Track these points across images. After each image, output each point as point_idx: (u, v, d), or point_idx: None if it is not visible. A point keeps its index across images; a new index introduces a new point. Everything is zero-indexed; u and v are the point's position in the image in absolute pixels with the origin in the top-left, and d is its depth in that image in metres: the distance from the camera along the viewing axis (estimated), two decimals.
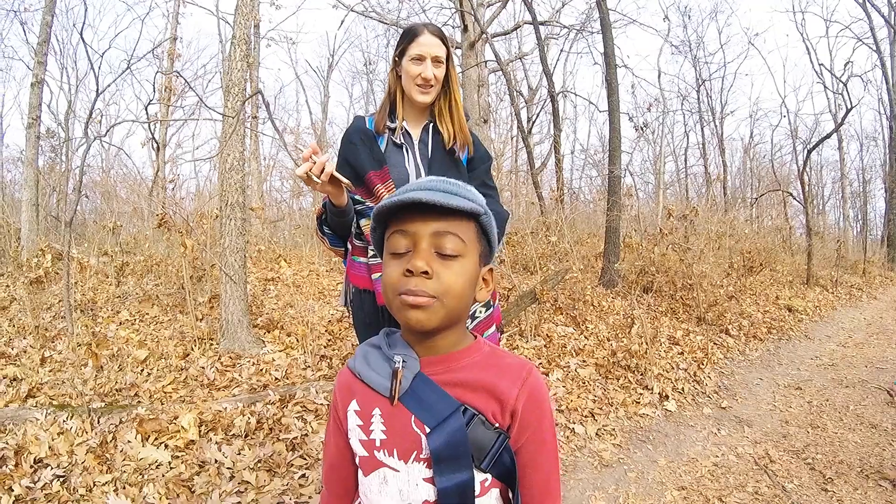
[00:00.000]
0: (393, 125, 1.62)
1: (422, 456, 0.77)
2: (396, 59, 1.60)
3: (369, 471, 0.81)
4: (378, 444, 0.80)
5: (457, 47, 8.33)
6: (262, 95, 3.83)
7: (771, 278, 9.26)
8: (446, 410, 0.76)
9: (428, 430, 0.76)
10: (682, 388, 4.02)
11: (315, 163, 1.29)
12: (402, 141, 1.62)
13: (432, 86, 1.57)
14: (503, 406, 0.77)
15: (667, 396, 3.82)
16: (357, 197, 1.57)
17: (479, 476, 0.77)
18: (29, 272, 4.86)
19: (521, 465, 0.79)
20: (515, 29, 11.85)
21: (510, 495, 0.81)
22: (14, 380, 3.36)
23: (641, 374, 4.03)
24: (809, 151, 12.19)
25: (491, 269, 0.85)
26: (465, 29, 8.08)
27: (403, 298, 0.74)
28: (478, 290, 0.82)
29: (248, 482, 2.39)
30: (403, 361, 0.79)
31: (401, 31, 1.77)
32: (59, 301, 4.91)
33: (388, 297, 0.78)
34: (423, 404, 0.77)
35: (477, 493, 0.77)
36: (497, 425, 0.77)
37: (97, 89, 7.93)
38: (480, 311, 1.56)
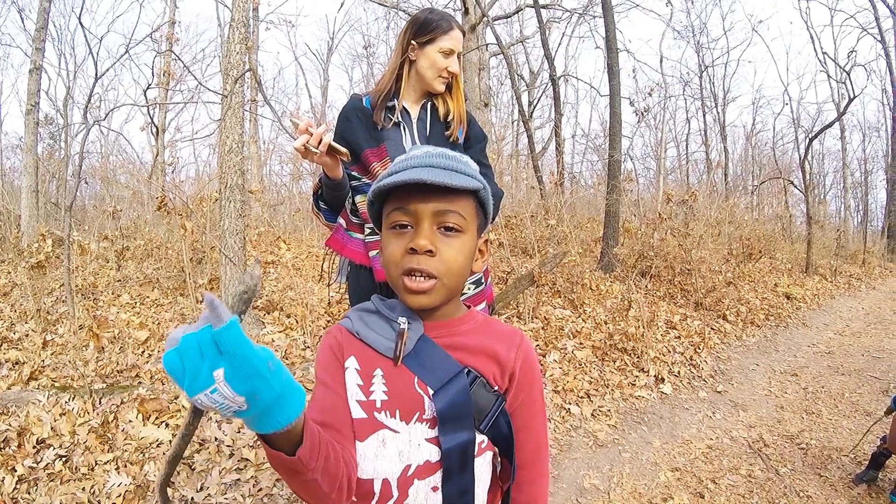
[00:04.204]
0: (391, 103, 1.63)
1: (425, 417, 0.78)
2: (415, 44, 1.60)
3: (366, 434, 0.78)
4: (378, 404, 0.79)
5: None
6: (253, 73, 3.79)
7: (770, 266, 9.27)
8: (450, 372, 0.78)
9: (431, 391, 0.77)
10: (679, 372, 4.05)
11: (312, 135, 1.30)
12: (401, 119, 1.64)
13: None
14: (503, 369, 0.81)
15: (662, 379, 3.85)
16: (354, 173, 1.59)
17: (477, 437, 0.79)
18: (30, 258, 4.87)
19: (515, 427, 0.81)
20: (517, 12, 11.74)
21: (498, 460, 0.84)
22: (16, 363, 3.39)
23: (638, 357, 4.05)
24: (811, 140, 12.14)
25: (487, 241, 0.87)
26: (466, 11, 8.01)
27: (407, 282, 0.75)
28: (474, 262, 0.83)
29: (247, 459, 2.43)
30: (409, 323, 0.80)
31: (401, 14, 1.77)
32: (61, 285, 4.92)
33: (390, 274, 0.79)
34: (426, 366, 0.79)
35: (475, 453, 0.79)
36: (496, 388, 0.80)
37: (96, 74, 7.90)
38: (469, 288, 1.59)
